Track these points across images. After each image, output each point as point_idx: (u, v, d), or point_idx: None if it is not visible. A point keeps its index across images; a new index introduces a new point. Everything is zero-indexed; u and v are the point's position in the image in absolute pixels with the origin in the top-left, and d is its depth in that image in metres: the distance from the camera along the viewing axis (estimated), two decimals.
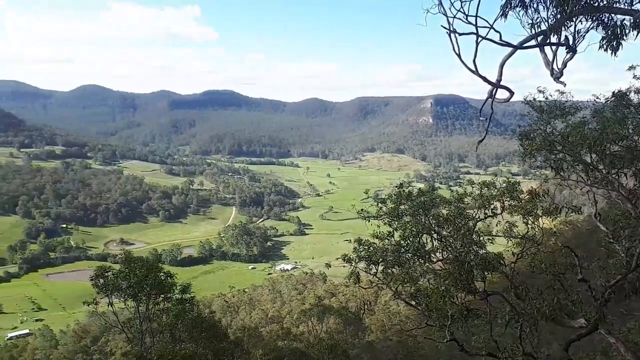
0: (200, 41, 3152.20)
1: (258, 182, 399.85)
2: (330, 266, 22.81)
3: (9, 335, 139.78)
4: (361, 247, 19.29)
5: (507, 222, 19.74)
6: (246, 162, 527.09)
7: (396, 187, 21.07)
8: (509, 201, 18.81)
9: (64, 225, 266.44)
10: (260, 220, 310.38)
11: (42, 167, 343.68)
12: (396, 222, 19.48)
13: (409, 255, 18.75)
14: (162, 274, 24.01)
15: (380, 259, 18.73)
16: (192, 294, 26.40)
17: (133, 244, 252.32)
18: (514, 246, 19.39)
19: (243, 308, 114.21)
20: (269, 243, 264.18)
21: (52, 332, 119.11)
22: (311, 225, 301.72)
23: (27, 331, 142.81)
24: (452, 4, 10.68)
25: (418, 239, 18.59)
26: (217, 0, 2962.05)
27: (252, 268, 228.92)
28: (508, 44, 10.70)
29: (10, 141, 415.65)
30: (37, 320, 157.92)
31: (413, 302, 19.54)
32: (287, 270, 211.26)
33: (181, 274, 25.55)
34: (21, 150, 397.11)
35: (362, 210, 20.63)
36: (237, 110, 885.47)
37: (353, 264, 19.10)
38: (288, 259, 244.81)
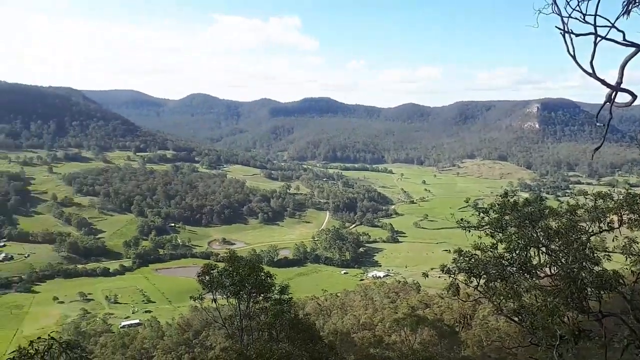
0: (300, 50, 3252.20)
1: (351, 187, 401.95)
2: (427, 276, 22.31)
3: (123, 323, 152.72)
4: (461, 258, 18.61)
5: (625, 237, 17.99)
6: (340, 168, 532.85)
7: (500, 196, 20.08)
8: (628, 215, 17.13)
9: (173, 224, 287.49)
10: (353, 225, 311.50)
11: (155, 170, 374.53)
12: (500, 234, 18.56)
13: (514, 269, 17.76)
14: (262, 274, 24.97)
15: (482, 272, 17.93)
16: (290, 295, 27.14)
17: (234, 243, 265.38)
18: (633, 264, 17.61)
19: (335, 312, 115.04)
20: (361, 249, 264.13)
21: (159, 324, 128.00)
22: (404, 233, 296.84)
23: (137, 321, 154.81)
24: (567, 3, 10.03)
25: (525, 252, 17.54)
26: (317, 10, 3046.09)
27: (344, 273, 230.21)
28: (633, 44, 9.80)
29: (128, 145, 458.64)
30: (146, 312, 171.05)
31: (516, 319, 18.47)
32: (380, 277, 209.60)
33: (277, 274, 26.47)
34: (137, 154, 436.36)
35: (461, 219, 19.91)
36: (333, 117, 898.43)
37: (452, 275, 18.48)
38: (380, 266, 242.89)
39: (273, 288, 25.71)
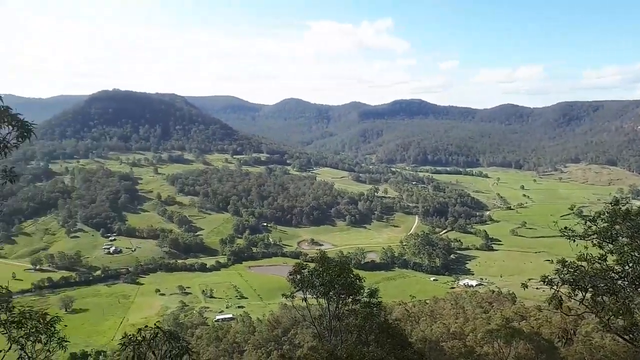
0: (391, 53, 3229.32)
1: (442, 191, 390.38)
2: (527, 286, 20.93)
3: (217, 317, 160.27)
4: (565, 269, 17.29)
5: None
6: (431, 171, 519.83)
7: (609, 203, 18.42)
8: None
9: (265, 224, 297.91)
10: (444, 231, 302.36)
11: (250, 172, 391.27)
12: (609, 244, 17.01)
13: (626, 283, 16.18)
14: (352, 276, 25.05)
15: (589, 285, 16.53)
16: (379, 299, 26.94)
17: (322, 244, 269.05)
18: None
19: (424, 319, 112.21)
20: (452, 256, 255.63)
21: (250, 319, 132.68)
22: (500, 241, 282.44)
23: (231, 315, 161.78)
24: None
25: (639, 265, 15.92)
26: (409, 12, 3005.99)
27: (433, 280, 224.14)
28: None
29: (226, 148, 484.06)
30: (239, 307, 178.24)
31: (627, 337, 16.81)
32: (472, 286, 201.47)
33: (364, 277, 26.39)
34: (234, 156, 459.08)
35: (565, 228, 18.52)
36: (424, 119, 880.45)
37: (554, 287, 17.23)
38: (473, 274, 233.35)
39: (362, 291, 25.66)
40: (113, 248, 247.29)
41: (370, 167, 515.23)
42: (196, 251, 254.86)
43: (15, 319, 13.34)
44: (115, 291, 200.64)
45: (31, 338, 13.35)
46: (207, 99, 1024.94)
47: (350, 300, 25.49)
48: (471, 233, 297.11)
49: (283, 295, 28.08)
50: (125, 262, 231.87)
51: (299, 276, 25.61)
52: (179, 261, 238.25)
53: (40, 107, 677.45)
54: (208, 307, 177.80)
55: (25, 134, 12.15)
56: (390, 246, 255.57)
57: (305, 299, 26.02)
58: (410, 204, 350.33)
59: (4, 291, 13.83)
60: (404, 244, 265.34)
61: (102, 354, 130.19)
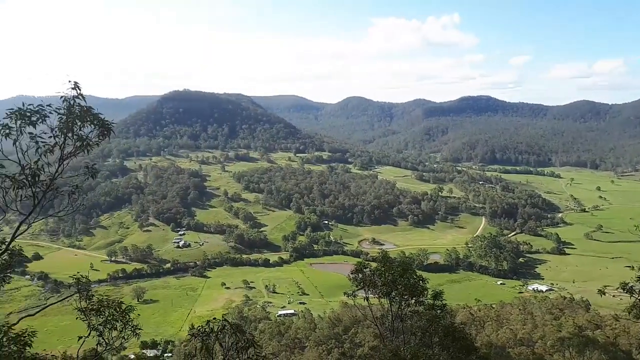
0: (458, 48, 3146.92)
1: (511, 192, 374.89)
2: (604, 293, 19.64)
3: (279, 312, 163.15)
4: None
5: None
6: (499, 171, 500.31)
7: None
8: None
9: (327, 222, 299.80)
10: (512, 233, 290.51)
11: (312, 170, 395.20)
12: None
13: None
14: (415, 276, 24.64)
15: None
16: (444, 302, 26.32)
17: (383, 244, 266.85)
18: None
19: (489, 324, 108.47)
20: (520, 259, 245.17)
21: (311, 316, 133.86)
22: (573, 245, 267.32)
23: (292, 311, 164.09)
24: None
25: None
26: (478, 6, 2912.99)
27: (500, 283, 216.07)
28: None
29: (289, 147, 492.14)
30: (300, 303, 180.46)
31: None
32: (541, 291, 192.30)
33: (428, 279, 25.86)
34: (297, 155, 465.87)
35: None
36: (492, 116, 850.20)
37: (636, 295, 16.04)
38: (542, 279, 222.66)
39: (426, 292, 25.16)
40: (182, 242, 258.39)
41: (435, 165, 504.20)
42: (260, 247, 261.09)
43: (94, 307, 14.27)
44: (184, 283, 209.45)
45: (108, 325, 14.19)
46: (272, 98, 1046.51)
47: (413, 301, 25.04)
48: (542, 236, 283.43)
49: (345, 293, 28.11)
50: (193, 255, 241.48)
51: (360, 275, 25.49)
52: (244, 256, 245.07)
53: (117, 107, 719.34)
54: (271, 302, 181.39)
55: (105, 132, 12.92)
56: (454, 248, 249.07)
57: (367, 298, 25.88)
58: (477, 205, 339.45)
59: (84, 280, 14.78)
60: (469, 245, 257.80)
61: (170, 343, 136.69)
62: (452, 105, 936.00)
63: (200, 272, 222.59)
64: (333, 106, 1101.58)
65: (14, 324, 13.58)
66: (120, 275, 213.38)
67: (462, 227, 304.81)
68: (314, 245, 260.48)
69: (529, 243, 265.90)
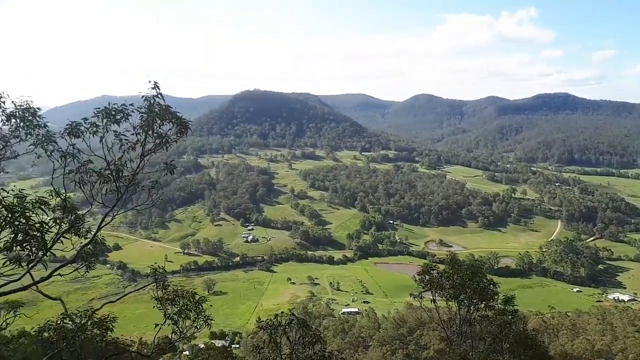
0: (534, 44, 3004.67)
1: (591, 195, 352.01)
2: None
3: (343, 310, 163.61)
4: None
5: None
6: (577, 172, 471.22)
7: None
8: None
9: (391, 221, 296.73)
10: (591, 239, 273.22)
11: (377, 169, 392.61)
12: None
13: None
14: (485, 280, 23.83)
15: None
16: (516, 307, 25.24)
17: (451, 246, 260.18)
18: None
19: (564, 333, 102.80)
20: (600, 266, 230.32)
21: (375, 315, 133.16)
22: None
23: (356, 310, 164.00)
24: None
25: None
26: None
27: (577, 291, 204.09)
28: None
29: (355, 145, 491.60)
30: (364, 302, 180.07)
31: None
32: (623, 300, 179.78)
33: (499, 283, 24.84)
34: (362, 153, 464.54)
35: None
36: (570, 115, 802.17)
37: None
38: (624, 287, 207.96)
39: (496, 297, 24.24)
40: (251, 237, 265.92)
41: (507, 166, 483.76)
42: (324, 244, 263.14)
43: (170, 297, 15.06)
44: (252, 277, 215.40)
45: (182, 315, 14.92)
46: (339, 97, 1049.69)
47: (482, 305, 24.20)
48: (624, 242, 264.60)
49: (411, 294, 27.70)
50: (260, 250, 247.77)
51: (427, 277, 25.01)
52: (309, 252, 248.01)
53: (191, 106, 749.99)
54: (335, 299, 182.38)
55: (183, 130, 13.59)
56: (527, 252, 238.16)
57: (434, 301, 25.35)
58: (552, 207, 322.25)
59: (161, 271, 15.62)
60: (543, 250, 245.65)
61: (238, 335, 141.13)
62: (527, 102, 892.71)
63: (267, 266, 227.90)
64: (400, 104, 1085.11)
65: (97, 310, 14.60)
66: (192, 267, 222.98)
67: (536, 231, 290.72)
68: (379, 245, 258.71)
69: (610, 249, 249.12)
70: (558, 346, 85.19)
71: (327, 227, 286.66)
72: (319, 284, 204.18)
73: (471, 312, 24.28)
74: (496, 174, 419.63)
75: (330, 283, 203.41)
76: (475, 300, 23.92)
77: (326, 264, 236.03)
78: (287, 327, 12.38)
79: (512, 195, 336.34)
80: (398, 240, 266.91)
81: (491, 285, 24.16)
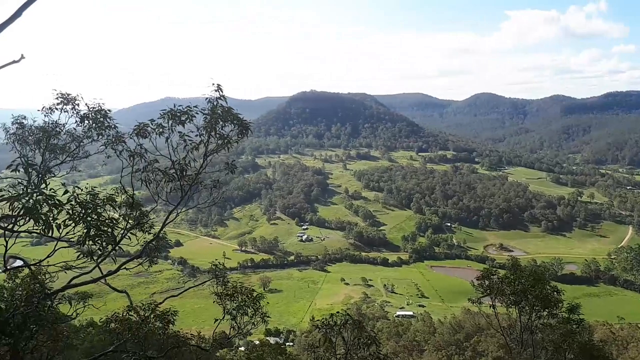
0: (604, 39, 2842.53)
1: None
2: None
3: (398, 313, 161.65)
4: None
5: None
6: None
7: None
8: None
9: (449, 224, 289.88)
10: None
11: (435, 170, 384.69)
12: None
13: None
14: (549, 287, 22.83)
15: None
16: (581, 316, 23.98)
17: (512, 250, 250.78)
18: None
19: (634, 345, 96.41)
20: None
21: (431, 320, 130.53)
22: None
23: (411, 313, 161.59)
24: None
25: None
26: None
27: None
28: None
29: (412, 146, 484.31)
30: (419, 306, 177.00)
31: None
32: None
33: (563, 290, 23.64)
34: (419, 153, 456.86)
35: None
36: None
37: None
38: None
39: (560, 305, 23.15)
40: (305, 236, 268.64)
41: (574, 167, 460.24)
42: (378, 245, 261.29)
43: (229, 293, 15.49)
44: (306, 276, 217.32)
45: (240, 311, 15.30)
46: (396, 96, 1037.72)
47: (545, 313, 23.18)
48: None
49: (469, 299, 26.99)
50: (315, 250, 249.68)
51: (487, 282, 24.25)
52: (363, 253, 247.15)
53: (250, 107, 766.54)
54: (389, 302, 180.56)
55: (244, 131, 13.96)
56: (594, 258, 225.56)
57: (493, 306, 24.55)
58: (623, 212, 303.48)
59: (220, 267, 16.11)
60: (612, 257, 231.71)
61: (292, 332, 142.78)
62: (596, 101, 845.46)
63: (321, 266, 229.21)
64: (460, 103, 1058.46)
65: (160, 303, 15.24)
66: (248, 264, 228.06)
67: (604, 237, 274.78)
68: (435, 248, 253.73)
69: None
70: (627, 359, 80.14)
71: (381, 228, 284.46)
72: (372, 286, 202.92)
73: (533, 319, 23.32)
74: (561, 176, 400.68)
75: (385, 285, 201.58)
76: (537, 308, 22.96)
77: (380, 266, 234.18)
78: (342, 327, 12.41)
79: (579, 198, 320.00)
80: (455, 244, 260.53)
81: (555, 293, 23.10)
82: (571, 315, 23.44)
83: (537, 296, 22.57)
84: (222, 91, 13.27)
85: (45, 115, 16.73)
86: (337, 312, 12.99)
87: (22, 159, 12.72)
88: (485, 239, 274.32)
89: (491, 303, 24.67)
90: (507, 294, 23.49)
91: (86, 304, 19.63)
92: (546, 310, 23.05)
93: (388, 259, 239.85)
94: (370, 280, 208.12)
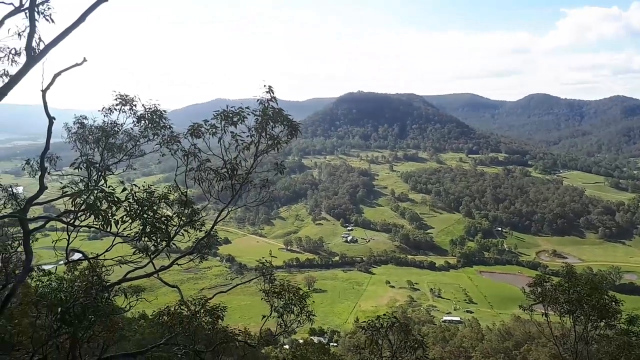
0: None
1: None
2: None
3: (444, 318, 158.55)
4: None
5: None
6: None
7: None
8: None
9: (499, 229, 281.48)
10: None
11: (485, 172, 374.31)
12: None
13: None
14: (606, 297, 21.77)
15: None
16: None
17: (566, 257, 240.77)
18: None
19: None
20: None
21: (479, 326, 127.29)
22: None
23: (458, 318, 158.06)
24: None
25: None
26: None
27: None
28: None
29: (461, 147, 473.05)
30: (467, 311, 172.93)
31: None
32: None
33: (621, 301, 22.44)
34: (469, 155, 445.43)
35: None
36: None
37: None
38: None
39: (619, 315, 22.02)
40: (350, 237, 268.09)
41: (635, 172, 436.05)
42: (425, 249, 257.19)
43: (276, 290, 15.75)
44: (350, 277, 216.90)
45: (287, 309, 15.52)
46: (445, 97, 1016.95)
47: (602, 324, 22.10)
48: None
49: (520, 306, 26.14)
50: (359, 251, 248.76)
51: (539, 289, 23.40)
52: (409, 256, 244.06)
53: (298, 108, 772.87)
54: (435, 306, 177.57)
55: (293, 132, 14.19)
56: None
57: (546, 314, 23.65)
58: None
59: (268, 265, 16.39)
60: None
61: (336, 333, 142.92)
62: None
63: (365, 267, 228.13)
64: (512, 104, 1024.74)
65: (210, 299, 15.67)
66: (294, 263, 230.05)
67: None
68: (485, 252, 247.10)
69: None
70: None
71: (428, 231, 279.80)
72: (418, 289, 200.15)
73: (588, 329, 22.29)
74: (621, 180, 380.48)
75: (431, 289, 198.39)
76: (593, 318, 21.92)
77: (427, 269, 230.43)
78: (388, 329, 12.36)
79: None
80: (506, 249, 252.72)
81: (613, 303, 21.99)
82: (630, 327, 22.22)
83: (593, 306, 21.56)
84: (273, 92, 13.53)
85: (104, 116, 17.58)
86: (383, 315, 12.95)
87: (84, 157, 13.41)
88: (537, 245, 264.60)
89: (543, 311, 23.78)
90: (561, 302, 22.57)
91: (139, 297, 20.42)
92: (603, 320, 22.00)
93: (435, 263, 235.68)
94: (417, 283, 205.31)
